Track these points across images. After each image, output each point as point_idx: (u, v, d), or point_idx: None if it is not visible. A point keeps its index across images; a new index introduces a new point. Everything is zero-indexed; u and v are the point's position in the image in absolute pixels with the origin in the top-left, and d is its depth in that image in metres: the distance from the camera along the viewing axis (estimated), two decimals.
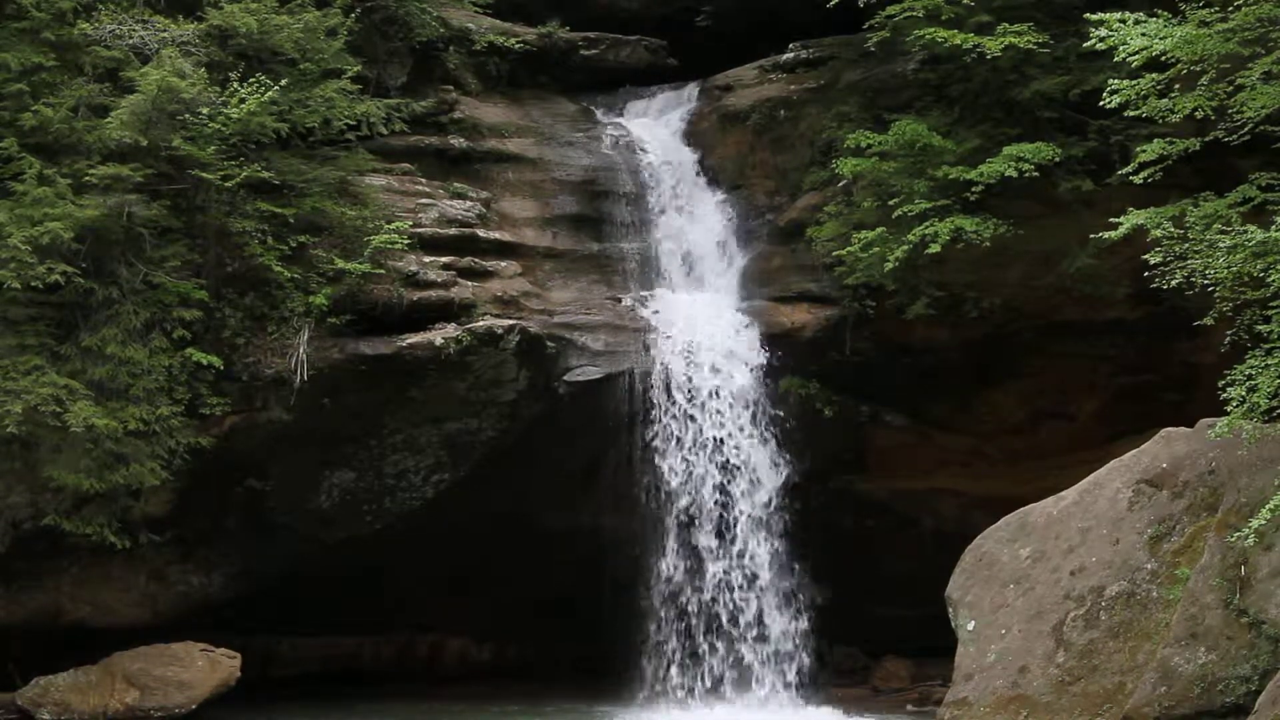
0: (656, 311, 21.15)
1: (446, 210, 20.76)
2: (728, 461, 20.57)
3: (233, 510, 19.63)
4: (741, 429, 20.68)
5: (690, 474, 20.47)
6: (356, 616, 21.78)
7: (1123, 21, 14.90)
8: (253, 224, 18.84)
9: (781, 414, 20.78)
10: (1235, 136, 14.84)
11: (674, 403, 20.58)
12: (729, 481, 20.54)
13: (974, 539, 16.01)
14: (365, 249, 19.17)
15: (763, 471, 20.67)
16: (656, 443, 20.52)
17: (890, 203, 19.24)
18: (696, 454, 20.51)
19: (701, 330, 20.89)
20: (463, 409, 19.67)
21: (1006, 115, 19.35)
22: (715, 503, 20.53)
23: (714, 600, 20.26)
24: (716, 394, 20.66)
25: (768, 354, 20.76)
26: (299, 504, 19.80)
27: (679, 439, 20.53)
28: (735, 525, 20.45)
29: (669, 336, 20.76)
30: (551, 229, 21.72)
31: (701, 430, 20.57)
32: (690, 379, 20.61)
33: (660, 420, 20.53)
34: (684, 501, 20.45)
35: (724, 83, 23.16)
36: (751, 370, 20.74)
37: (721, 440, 20.58)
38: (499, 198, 21.71)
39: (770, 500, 20.55)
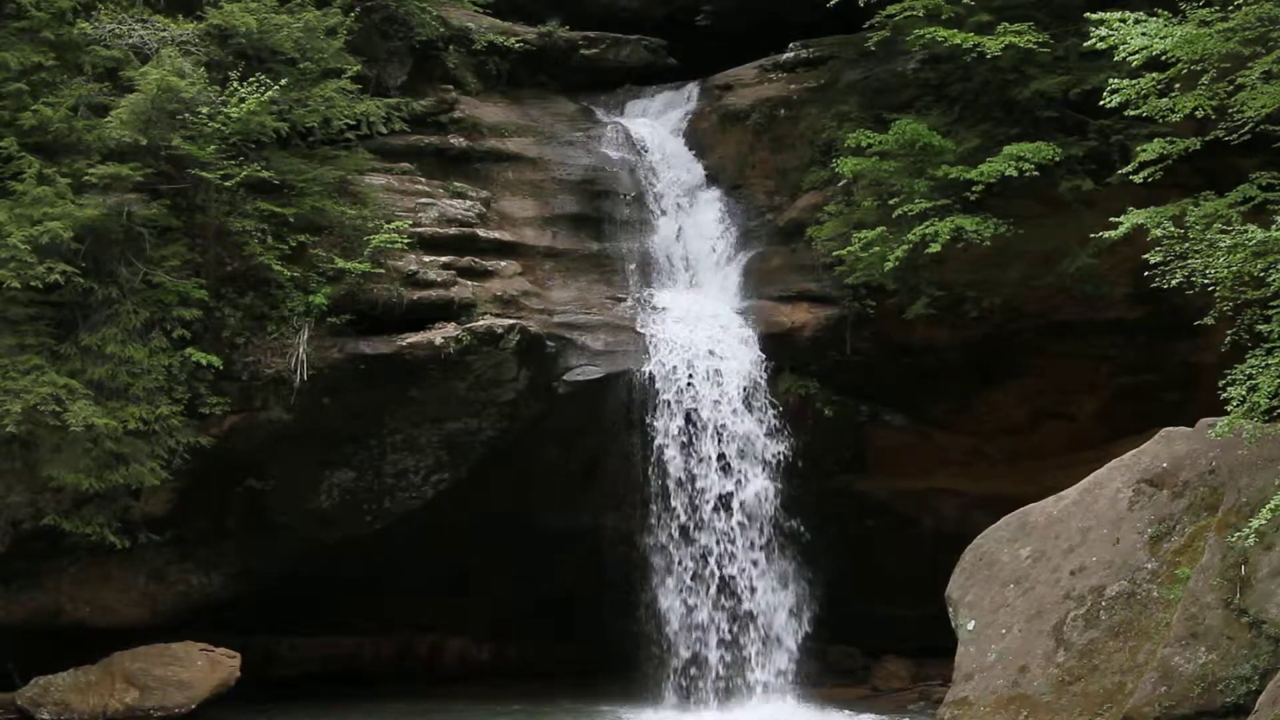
0: (654, 341, 19.83)
1: (446, 210, 20.75)
2: (739, 606, 19.69)
3: (233, 510, 19.62)
4: (756, 563, 19.55)
5: (691, 618, 19.76)
6: (356, 616, 21.78)
7: (1123, 21, 14.89)
8: (252, 223, 18.83)
9: (801, 526, 19.71)
10: (1235, 136, 14.83)
11: (672, 513, 19.58)
12: (740, 633, 19.68)
13: (974, 539, 16.01)
14: (365, 248, 19.15)
15: (779, 625, 19.72)
16: (655, 559, 19.71)
17: (890, 202, 19.22)
18: (698, 594, 19.69)
19: (705, 399, 19.77)
20: (463, 409, 19.66)
21: (1006, 115, 19.34)
22: (722, 663, 19.57)
23: None
24: (726, 505, 19.69)
25: (792, 439, 19.87)
26: (299, 504, 19.79)
27: (678, 571, 19.66)
28: (750, 692, 19.65)
29: (668, 403, 19.58)
30: (551, 228, 21.69)
31: (705, 559, 19.66)
32: (693, 479, 19.74)
33: (653, 534, 19.70)
34: (683, 655, 19.73)
35: (724, 82, 23.14)
36: (767, 468, 19.75)
37: (732, 578, 19.61)
38: (499, 197, 21.69)
39: (788, 668, 19.74)
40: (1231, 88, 14.60)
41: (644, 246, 21.86)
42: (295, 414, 18.90)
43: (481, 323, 19.28)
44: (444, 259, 19.94)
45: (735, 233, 22.05)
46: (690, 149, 22.95)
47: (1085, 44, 15.93)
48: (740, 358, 20.38)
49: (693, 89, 23.79)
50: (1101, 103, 15.57)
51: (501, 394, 19.66)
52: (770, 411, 20.32)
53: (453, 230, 20.48)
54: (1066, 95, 18.71)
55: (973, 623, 15.20)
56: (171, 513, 18.86)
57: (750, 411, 20.29)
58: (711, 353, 20.34)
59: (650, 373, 20.12)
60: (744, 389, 20.28)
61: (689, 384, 20.11)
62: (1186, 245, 14.65)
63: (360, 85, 20.17)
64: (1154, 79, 14.86)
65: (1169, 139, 15.39)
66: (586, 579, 21.07)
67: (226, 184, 18.54)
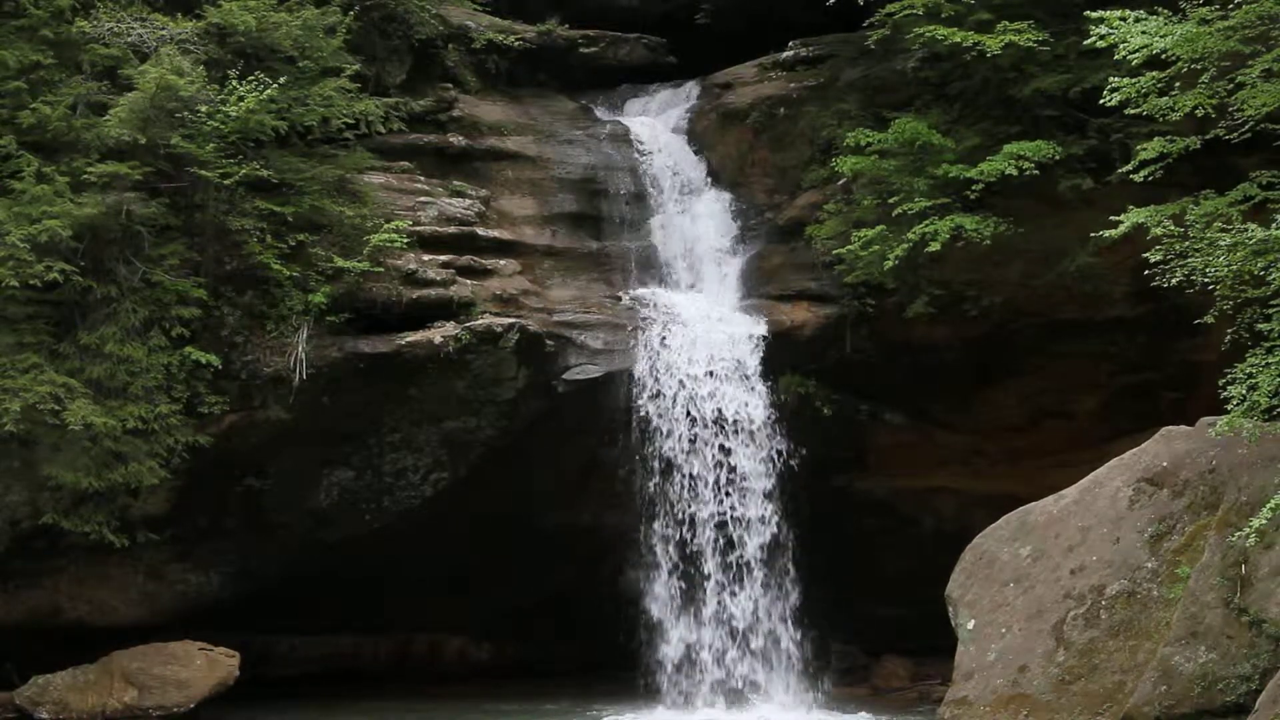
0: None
1: (445, 208, 20.72)
2: (738, 604, 19.39)
3: (231, 509, 19.59)
4: (756, 559, 19.10)
5: (690, 618, 19.49)
6: (356, 616, 21.75)
7: (1123, 19, 14.88)
8: (251, 222, 18.81)
9: (800, 526, 19.35)
10: (1236, 134, 14.82)
11: (672, 512, 19.19)
12: (739, 632, 19.35)
13: (974, 538, 16.00)
14: (364, 247, 19.14)
15: (779, 625, 19.35)
16: (654, 558, 19.57)
17: (890, 201, 19.21)
18: (698, 594, 19.42)
19: (705, 397, 19.49)
20: (462, 408, 19.63)
21: (1006, 113, 19.32)
22: (721, 663, 19.26)
23: None
24: (725, 503, 19.32)
25: (792, 438, 19.54)
26: (298, 503, 19.76)
27: (678, 571, 19.49)
28: (749, 692, 19.36)
29: (667, 402, 19.42)
30: (551, 227, 21.67)
31: (705, 556, 19.40)
32: (693, 477, 19.31)
33: (652, 533, 19.36)
34: (683, 654, 19.45)
35: (723, 80, 23.11)
36: (768, 467, 19.58)
37: (731, 575, 19.39)
38: (498, 196, 21.66)
39: (788, 667, 19.34)
40: (1231, 86, 14.58)
41: (643, 245, 21.83)
42: (294, 413, 18.88)
43: (481, 322, 19.26)
44: (443, 258, 19.92)
45: (735, 231, 22.04)
46: (690, 147, 22.91)
47: (1085, 42, 15.91)
48: (740, 357, 20.36)
49: (692, 87, 23.77)
50: (1101, 101, 15.56)
51: (500, 393, 19.64)
52: (770, 410, 20.27)
53: (452, 229, 20.46)
54: (1066, 94, 18.69)
55: (972, 622, 15.19)
56: (170, 512, 18.84)
57: (750, 409, 20.26)
58: (711, 351, 20.31)
59: (650, 371, 20.10)
60: (743, 387, 20.26)
61: (688, 383, 20.09)
62: (1187, 244, 14.66)
63: (359, 84, 20.17)
64: (1154, 77, 14.84)
65: (1169, 138, 15.36)
66: (586, 579, 21.05)
67: (225, 182, 18.53)
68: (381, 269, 19.23)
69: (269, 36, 19.38)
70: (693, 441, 20.10)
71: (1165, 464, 14.96)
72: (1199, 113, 15.06)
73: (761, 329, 20.61)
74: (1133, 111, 15.43)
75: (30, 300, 17.63)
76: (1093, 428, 20.58)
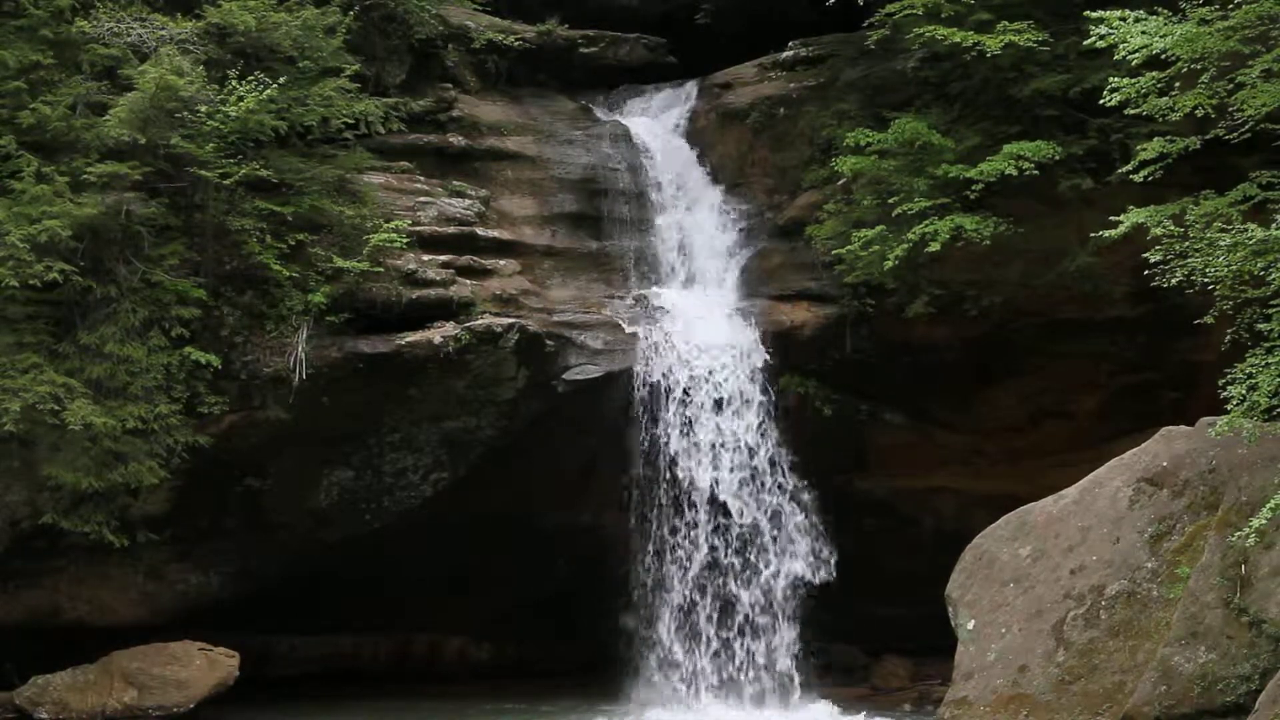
0: None
1: (445, 208, 20.72)
2: (738, 604, 19.51)
3: (231, 509, 19.59)
4: (756, 560, 19.28)
5: (690, 618, 19.57)
6: (356, 616, 21.74)
7: (1123, 19, 14.89)
8: (251, 222, 18.81)
9: (800, 525, 19.56)
10: (1235, 135, 14.82)
11: (671, 511, 19.36)
12: (739, 631, 19.44)
13: (974, 538, 16.00)
14: (364, 247, 19.14)
15: (779, 624, 19.34)
16: (653, 558, 19.73)
17: (890, 201, 19.21)
18: (698, 594, 19.54)
19: (705, 398, 19.60)
20: (461, 408, 19.64)
21: (1006, 113, 19.33)
22: (721, 663, 19.32)
23: None
24: (725, 504, 19.41)
25: (792, 438, 19.75)
26: (298, 503, 19.76)
27: (677, 570, 19.76)
28: (750, 691, 19.47)
29: (667, 402, 19.42)
30: (550, 227, 21.68)
31: (704, 558, 19.66)
32: (692, 478, 19.53)
33: (652, 532, 19.64)
34: (683, 654, 19.52)
35: (723, 80, 23.12)
36: (767, 466, 19.73)
37: (731, 575, 19.66)
38: (498, 196, 21.67)
39: (788, 667, 19.36)
40: (1231, 86, 14.58)
41: (643, 245, 21.84)
42: (294, 413, 18.87)
43: (480, 322, 19.26)
44: (443, 258, 19.92)
45: (735, 231, 22.04)
46: (690, 147, 22.93)
47: (1085, 43, 15.92)
48: (740, 357, 20.36)
49: (692, 87, 23.77)
50: (1101, 101, 15.56)
51: (500, 393, 19.64)
52: (770, 411, 20.27)
53: (452, 229, 20.46)
54: (1066, 94, 18.71)
55: (972, 622, 15.19)
56: (170, 512, 18.84)
57: (750, 410, 20.25)
58: (711, 352, 20.31)
59: (650, 371, 20.09)
60: (743, 388, 20.25)
61: (688, 383, 20.10)
62: (1186, 244, 14.67)
63: (359, 84, 20.16)
64: (1154, 78, 14.84)
65: (1169, 138, 15.37)
66: (586, 578, 21.04)
67: (225, 182, 18.53)
68: (381, 269, 19.22)
69: (269, 36, 19.38)
70: (692, 440, 20.10)
71: (1165, 464, 14.96)
72: (1199, 113, 15.06)
73: (761, 329, 20.55)
74: (1133, 111, 15.44)
75: (30, 300, 17.63)
76: (1093, 428, 20.58)
